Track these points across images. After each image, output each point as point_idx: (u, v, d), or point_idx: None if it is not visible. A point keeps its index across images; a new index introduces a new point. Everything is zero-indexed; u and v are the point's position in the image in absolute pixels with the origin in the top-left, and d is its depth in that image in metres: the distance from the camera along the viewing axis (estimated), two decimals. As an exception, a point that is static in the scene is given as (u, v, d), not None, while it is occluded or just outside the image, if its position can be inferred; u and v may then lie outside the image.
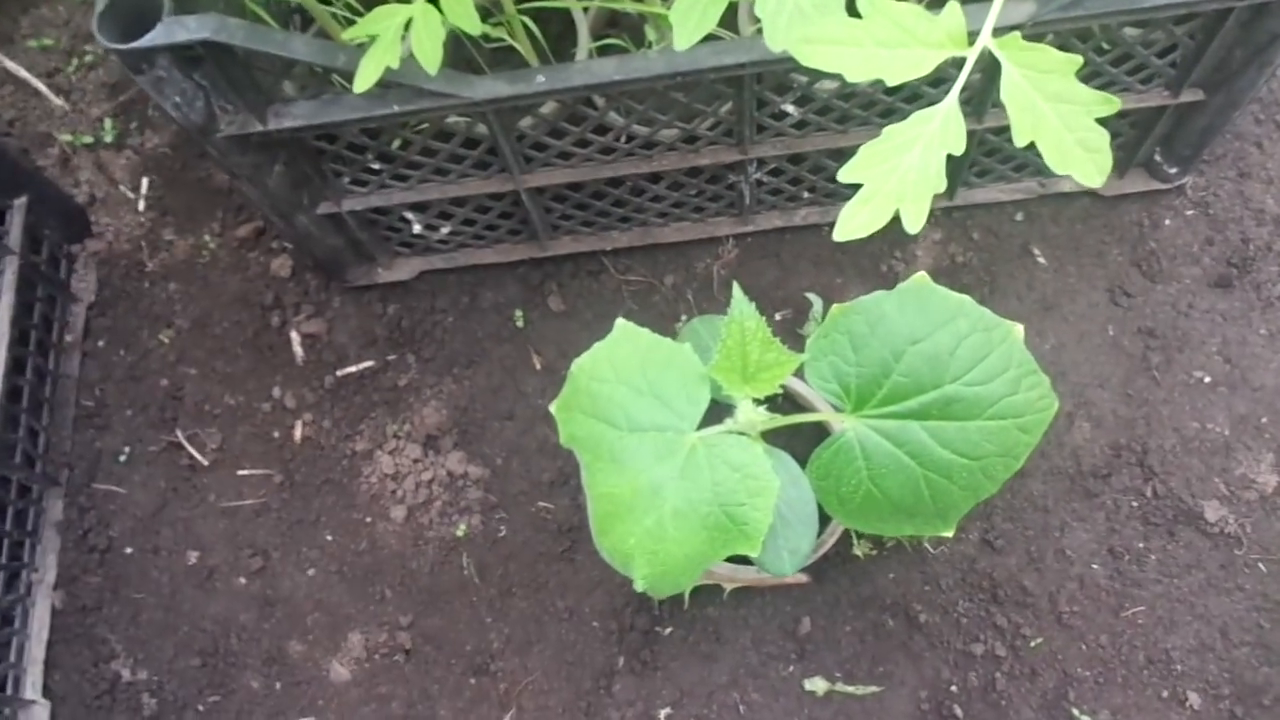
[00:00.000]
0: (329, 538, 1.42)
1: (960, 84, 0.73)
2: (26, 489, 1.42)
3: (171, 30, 0.99)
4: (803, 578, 1.32)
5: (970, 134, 1.25)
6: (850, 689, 1.30)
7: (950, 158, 0.73)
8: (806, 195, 1.43)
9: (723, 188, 1.38)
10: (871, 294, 0.90)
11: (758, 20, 0.79)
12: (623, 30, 1.35)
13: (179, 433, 1.47)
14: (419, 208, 1.37)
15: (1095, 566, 1.32)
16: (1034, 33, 1.07)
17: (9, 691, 1.33)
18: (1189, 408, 1.38)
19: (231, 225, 1.58)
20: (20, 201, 1.45)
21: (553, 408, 0.92)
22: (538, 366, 1.47)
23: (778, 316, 1.46)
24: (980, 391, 0.88)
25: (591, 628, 1.35)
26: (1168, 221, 1.46)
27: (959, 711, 1.27)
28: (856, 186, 0.74)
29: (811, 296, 1.45)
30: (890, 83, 0.72)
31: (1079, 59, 0.71)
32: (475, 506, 1.41)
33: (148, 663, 1.38)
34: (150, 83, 1.04)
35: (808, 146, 1.28)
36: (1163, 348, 1.40)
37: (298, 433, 1.46)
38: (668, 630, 1.33)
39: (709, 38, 0.91)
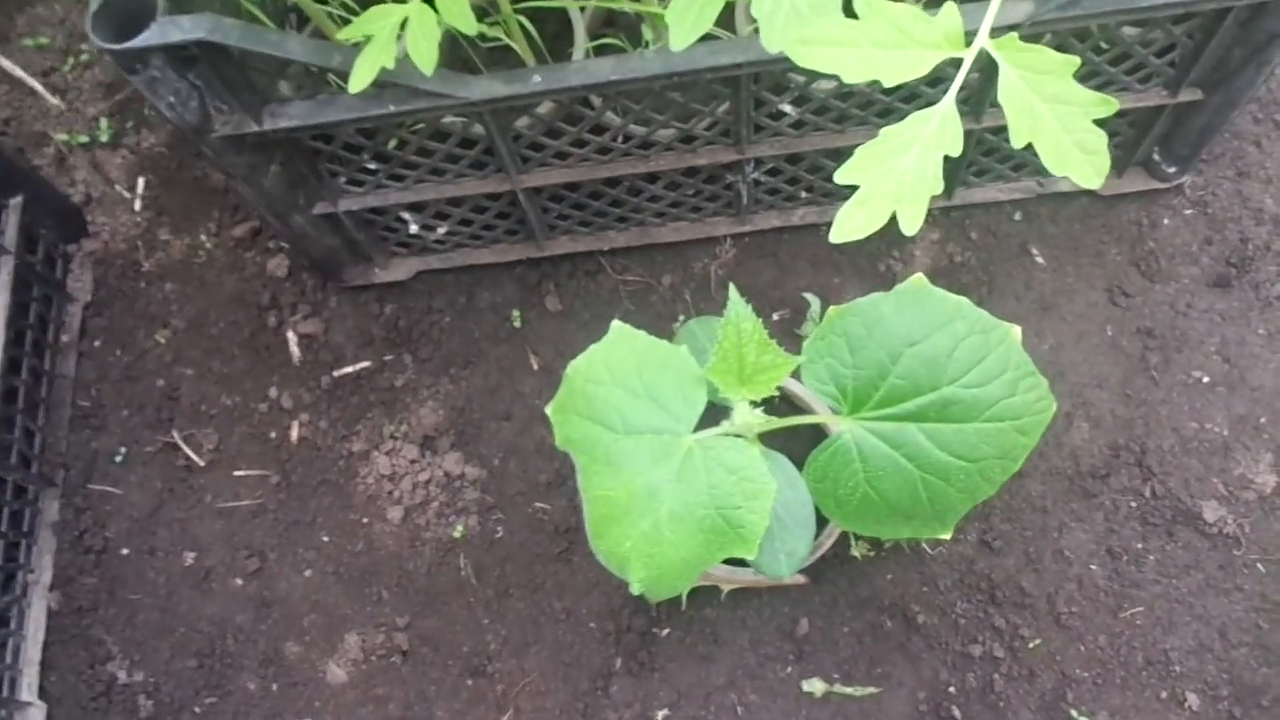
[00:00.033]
0: (326, 539, 1.41)
1: (958, 84, 0.73)
2: (22, 490, 1.41)
3: (165, 30, 0.99)
4: (800, 579, 1.32)
5: (968, 134, 1.25)
6: (848, 690, 1.29)
7: (948, 158, 0.73)
8: (804, 195, 1.42)
9: (720, 187, 1.38)
10: (869, 296, 0.90)
11: (754, 20, 0.78)
12: (619, 30, 1.34)
13: (175, 433, 1.47)
14: (415, 208, 1.36)
15: (1094, 567, 1.32)
16: (1032, 33, 1.07)
17: (5, 693, 1.33)
18: (1187, 408, 1.37)
19: (228, 225, 1.57)
20: (16, 201, 1.45)
21: (548, 410, 0.92)
22: (535, 367, 1.46)
23: (775, 317, 1.46)
24: (978, 393, 0.88)
25: (589, 629, 1.35)
26: (1166, 221, 1.46)
27: (957, 713, 1.27)
28: (854, 187, 0.74)
29: (809, 297, 1.44)
30: (887, 84, 0.71)
31: (1076, 60, 0.71)
32: (472, 507, 1.41)
33: (144, 664, 1.38)
34: (144, 83, 1.03)
35: (805, 146, 1.28)
36: (1161, 348, 1.40)
37: (294, 433, 1.46)
38: (665, 631, 1.33)
39: (706, 38, 0.91)
